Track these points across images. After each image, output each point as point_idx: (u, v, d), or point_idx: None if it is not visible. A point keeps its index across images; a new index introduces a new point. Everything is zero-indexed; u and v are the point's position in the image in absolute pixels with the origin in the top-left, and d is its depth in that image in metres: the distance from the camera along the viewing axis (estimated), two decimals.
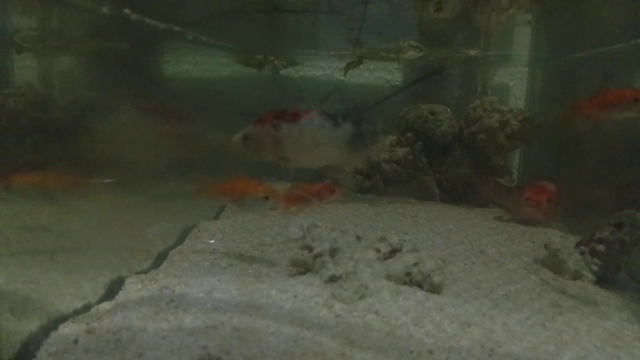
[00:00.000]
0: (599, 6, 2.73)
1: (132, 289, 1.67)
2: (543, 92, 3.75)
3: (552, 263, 2.07)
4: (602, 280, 1.98)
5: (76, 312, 1.47)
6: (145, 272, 1.84)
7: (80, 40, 2.90)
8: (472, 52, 3.68)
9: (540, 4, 2.98)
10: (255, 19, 3.22)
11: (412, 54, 3.66)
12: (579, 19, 2.99)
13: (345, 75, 3.72)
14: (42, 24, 2.84)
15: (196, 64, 3.76)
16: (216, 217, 2.68)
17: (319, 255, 1.80)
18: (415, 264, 1.76)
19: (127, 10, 2.11)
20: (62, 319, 1.43)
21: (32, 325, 1.37)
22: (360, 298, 1.63)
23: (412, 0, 2.74)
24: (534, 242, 2.41)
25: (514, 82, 4.01)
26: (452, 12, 3.23)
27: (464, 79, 3.90)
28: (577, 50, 3.21)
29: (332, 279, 1.70)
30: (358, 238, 1.95)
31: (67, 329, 1.37)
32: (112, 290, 1.66)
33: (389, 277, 1.77)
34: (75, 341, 1.30)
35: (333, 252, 1.83)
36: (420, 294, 1.70)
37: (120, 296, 1.61)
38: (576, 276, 1.98)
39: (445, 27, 3.42)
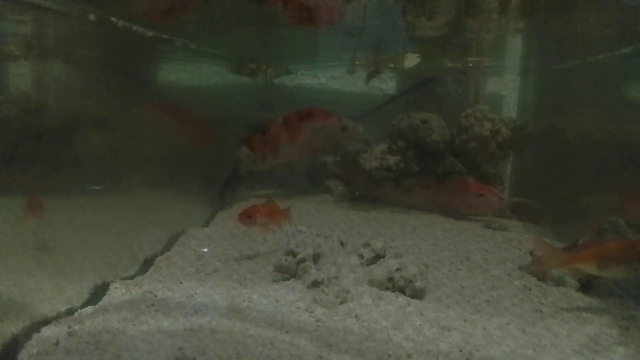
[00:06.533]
0: (587, 16, 2.75)
1: (116, 293, 1.68)
2: (535, 101, 3.78)
3: (537, 270, 2.08)
4: (586, 286, 1.99)
5: (59, 316, 1.50)
6: (131, 277, 1.87)
7: (63, 47, 2.89)
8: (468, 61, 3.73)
9: (531, 14, 3.00)
10: (248, 29, 3.24)
11: (410, 62, 3.74)
12: (569, 29, 3.02)
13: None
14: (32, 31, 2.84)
15: (191, 73, 3.79)
16: (206, 225, 2.69)
17: (302, 260, 1.82)
18: (398, 269, 1.78)
19: (113, 18, 2.14)
20: (45, 321, 1.45)
21: (14, 327, 1.39)
22: (341, 302, 1.65)
23: (402, 7, 2.76)
24: (520, 249, 2.41)
25: (507, 91, 4.04)
26: (443, 21, 3.25)
27: (457, 87, 3.94)
28: (567, 60, 3.24)
29: (315, 284, 1.72)
30: (342, 244, 1.96)
31: (49, 331, 1.40)
32: (97, 294, 1.68)
33: (371, 282, 1.79)
34: (56, 343, 1.32)
35: (316, 258, 1.84)
36: (402, 299, 1.72)
37: (104, 300, 1.63)
38: (560, 282, 1.99)
39: (436, 36, 3.45)
